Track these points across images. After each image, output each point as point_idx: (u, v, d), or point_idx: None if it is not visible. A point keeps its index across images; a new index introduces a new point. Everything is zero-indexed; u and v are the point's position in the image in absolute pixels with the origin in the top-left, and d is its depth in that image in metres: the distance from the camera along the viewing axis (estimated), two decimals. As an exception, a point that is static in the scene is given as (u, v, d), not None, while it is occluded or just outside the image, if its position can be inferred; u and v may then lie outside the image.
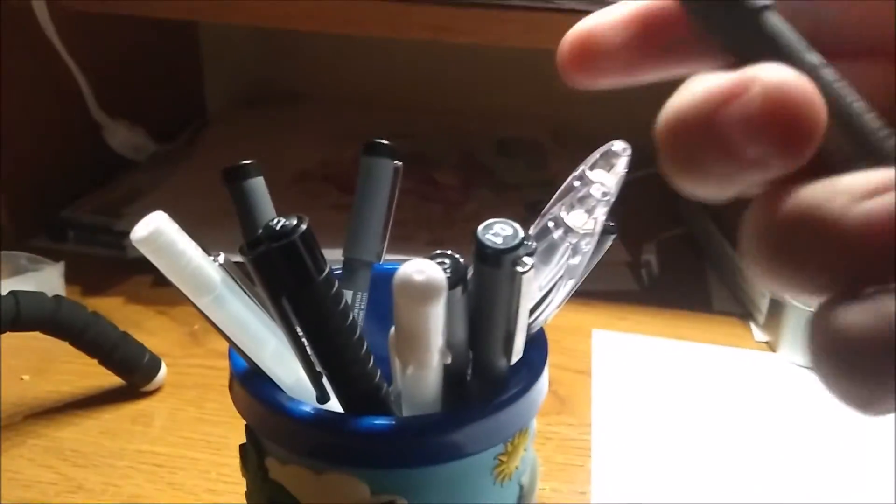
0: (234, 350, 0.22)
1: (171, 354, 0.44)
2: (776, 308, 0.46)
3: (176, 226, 0.19)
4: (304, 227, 0.19)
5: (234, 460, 0.37)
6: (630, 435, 0.40)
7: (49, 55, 0.56)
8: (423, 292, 0.17)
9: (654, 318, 0.50)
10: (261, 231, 0.19)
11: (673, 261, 0.56)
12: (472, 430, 0.22)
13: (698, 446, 0.39)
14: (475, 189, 0.65)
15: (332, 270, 0.20)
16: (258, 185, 0.26)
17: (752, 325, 0.49)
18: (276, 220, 0.19)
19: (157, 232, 0.19)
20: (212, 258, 0.20)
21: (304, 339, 0.20)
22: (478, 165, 0.69)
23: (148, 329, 0.47)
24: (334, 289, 0.20)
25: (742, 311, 0.50)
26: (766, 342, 0.47)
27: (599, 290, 0.51)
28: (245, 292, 0.21)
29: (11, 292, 0.37)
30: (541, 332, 0.25)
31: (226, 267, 0.20)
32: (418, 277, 0.17)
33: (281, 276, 0.19)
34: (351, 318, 0.21)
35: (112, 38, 0.64)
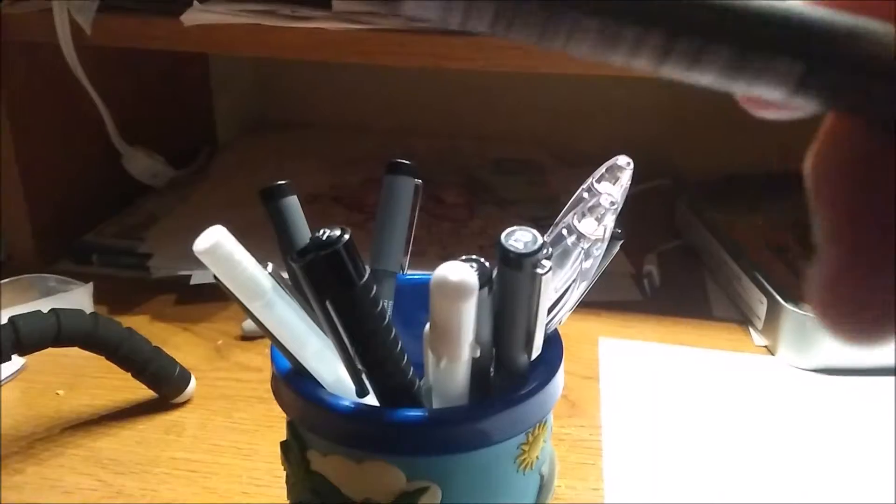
0: (279, 350, 0.24)
1: (198, 368, 0.46)
2: (774, 314, 0.48)
3: (233, 238, 0.21)
4: (346, 237, 0.21)
5: (265, 465, 0.39)
6: (638, 435, 0.42)
7: (72, 87, 0.58)
8: (458, 291, 0.19)
9: (658, 325, 0.52)
10: (308, 241, 0.21)
11: (673, 271, 0.59)
12: (497, 420, 0.24)
13: (704, 445, 0.41)
14: (479, 206, 0.68)
15: (371, 277, 0.22)
16: (293, 202, 0.28)
17: (751, 331, 0.51)
18: (322, 231, 0.21)
19: (217, 244, 0.21)
20: (263, 267, 0.22)
21: (345, 339, 0.22)
22: (480, 184, 0.72)
23: (174, 345, 0.49)
24: (373, 293, 0.22)
25: (741, 318, 0.52)
26: (765, 346, 0.49)
27: (605, 300, 0.54)
28: (291, 298, 0.23)
29: (52, 310, 0.39)
30: (556, 333, 0.28)
31: (274, 275, 0.23)
32: (454, 278, 0.19)
33: (326, 281, 0.21)
34: (387, 319, 0.23)
35: (129, 70, 0.67)
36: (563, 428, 0.42)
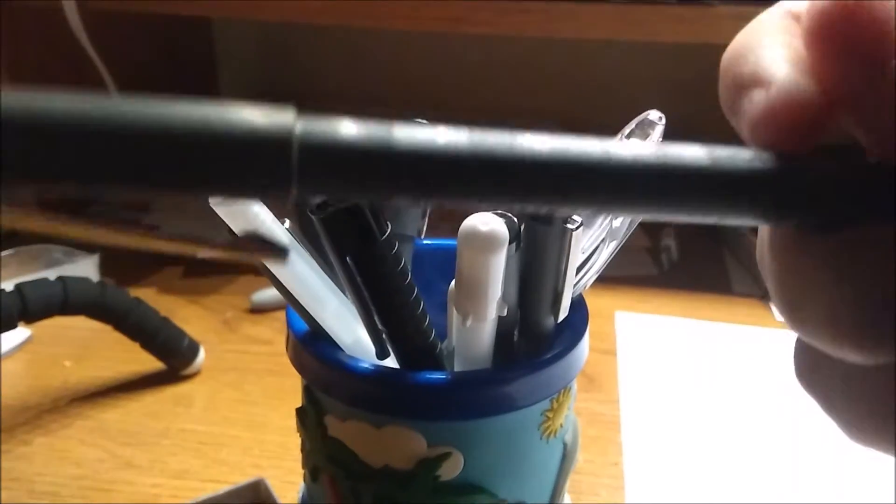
0: (296, 312, 0.23)
1: (206, 341, 0.45)
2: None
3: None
4: (368, 189, 0.20)
5: (276, 437, 0.38)
6: (657, 410, 0.41)
7: (76, 55, 0.57)
8: (488, 242, 0.18)
9: (675, 300, 0.51)
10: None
11: (691, 246, 0.57)
12: (521, 384, 0.23)
13: (723, 420, 0.40)
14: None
15: (392, 232, 0.21)
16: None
17: (772, 306, 0.50)
18: (342, 183, 0.20)
19: (232, 195, 0.20)
20: (281, 223, 0.21)
21: (366, 297, 0.21)
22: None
23: (182, 317, 0.48)
24: (395, 249, 0.21)
25: (762, 293, 0.51)
26: (786, 321, 0.48)
27: (621, 275, 0.53)
28: (310, 256, 0.22)
29: (59, 278, 0.38)
30: (580, 297, 0.26)
31: (292, 232, 0.22)
32: (483, 228, 0.18)
33: (347, 235, 0.20)
34: (409, 278, 0.22)
35: (133, 40, 0.66)
36: (581, 402, 0.41)
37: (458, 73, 0.78)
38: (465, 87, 0.78)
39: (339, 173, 0.11)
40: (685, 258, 0.56)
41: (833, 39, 0.12)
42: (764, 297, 0.51)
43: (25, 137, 0.10)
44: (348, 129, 0.11)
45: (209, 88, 0.81)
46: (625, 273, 0.53)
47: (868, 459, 0.37)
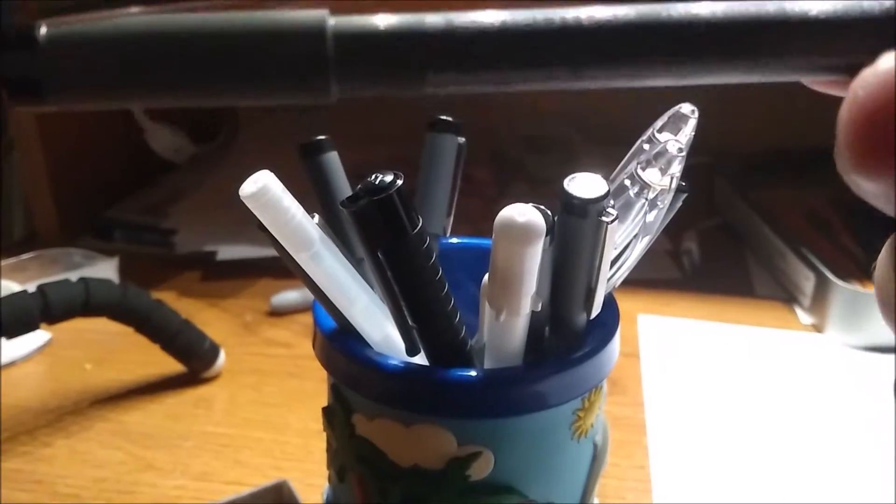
0: (324, 308, 0.23)
1: (226, 344, 0.45)
2: (822, 290, 0.46)
3: (281, 184, 0.20)
4: (400, 182, 0.20)
5: (296, 439, 0.38)
6: (681, 412, 0.40)
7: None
8: (525, 233, 0.18)
9: (698, 303, 0.51)
10: (360, 187, 0.20)
11: (713, 249, 0.57)
12: (553, 382, 0.23)
13: (747, 422, 0.39)
14: (510, 184, 0.66)
15: (424, 226, 0.21)
16: (333, 158, 0.27)
17: (797, 309, 0.49)
18: (374, 177, 0.20)
19: (264, 188, 0.19)
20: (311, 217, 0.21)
21: (397, 292, 0.21)
22: (509, 162, 0.70)
23: (201, 320, 0.48)
24: (426, 244, 0.21)
25: (786, 296, 0.51)
26: (812, 324, 0.47)
27: (643, 278, 0.52)
28: (339, 252, 0.22)
29: (81, 279, 0.38)
30: (611, 295, 0.26)
31: (321, 227, 0.21)
32: (520, 219, 0.18)
33: (378, 228, 0.20)
34: (440, 273, 0.21)
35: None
36: (605, 405, 0.40)
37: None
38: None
39: (373, 57, 0.12)
40: (707, 261, 0.56)
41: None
42: (789, 299, 0.50)
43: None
44: (379, 20, 0.13)
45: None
46: (647, 276, 0.53)
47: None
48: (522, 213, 0.18)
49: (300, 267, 0.21)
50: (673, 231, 0.57)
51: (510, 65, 0.13)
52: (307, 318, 0.49)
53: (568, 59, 0.13)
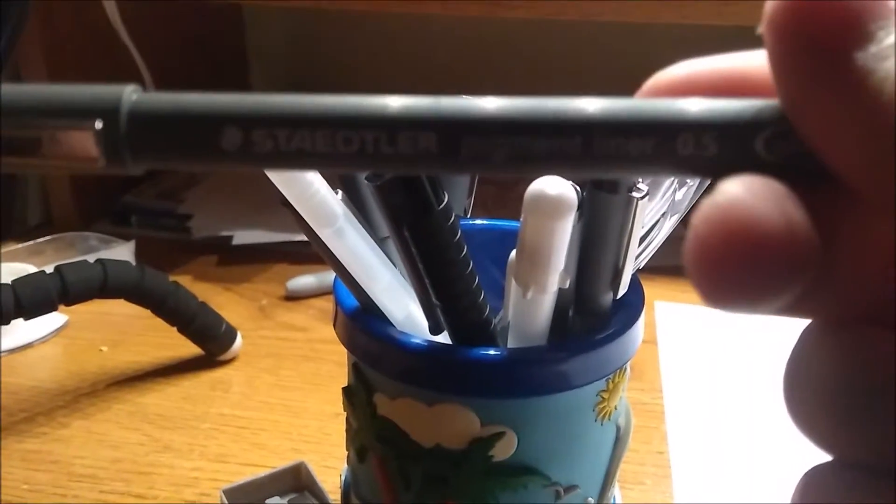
0: (346, 286, 0.23)
1: (242, 327, 0.45)
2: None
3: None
4: (426, 156, 0.19)
5: (314, 422, 0.38)
6: (700, 398, 0.40)
7: (112, 46, 0.57)
8: (556, 206, 0.17)
9: (716, 290, 0.50)
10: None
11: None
12: (577, 363, 0.22)
13: (766, 408, 0.39)
14: (526, 172, 0.66)
15: (450, 202, 0.20)
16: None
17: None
18: (399, 150, 0.19)
19: (287, 161, 0.19)
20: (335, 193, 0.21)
21: (421, 269, 0.21)
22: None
23: (217, 304, 0.48)
24: (451, 220, 0.20)
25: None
26: (833, 311, 0.47)
27: (659, 264, 0.52)
28: (362, 228, 0.22)
29: (98, 260, 0.38)
30: (635, 276, 0.26)
31: (345, 202, 0.21)
32: (552, 192, 0.17)
33: (403, 204, 0.20)
34: (465, 251, 0.21)
35: (168, 33, 0.66)
36: (624, 390, 0.40)
37: (490, 64, 0.77)
38: (501, 77, 0.77)
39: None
40: (725, 248, 0.55)
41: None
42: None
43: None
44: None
45: (242, 81, 0.81)
46: (663, 263, 0.52)
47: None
48: (554, 186, 0.17)
49: (323, 243, 0.21)
50: (688, 217, 0.57)
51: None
52: (323, 303, 0.49)
53: None
